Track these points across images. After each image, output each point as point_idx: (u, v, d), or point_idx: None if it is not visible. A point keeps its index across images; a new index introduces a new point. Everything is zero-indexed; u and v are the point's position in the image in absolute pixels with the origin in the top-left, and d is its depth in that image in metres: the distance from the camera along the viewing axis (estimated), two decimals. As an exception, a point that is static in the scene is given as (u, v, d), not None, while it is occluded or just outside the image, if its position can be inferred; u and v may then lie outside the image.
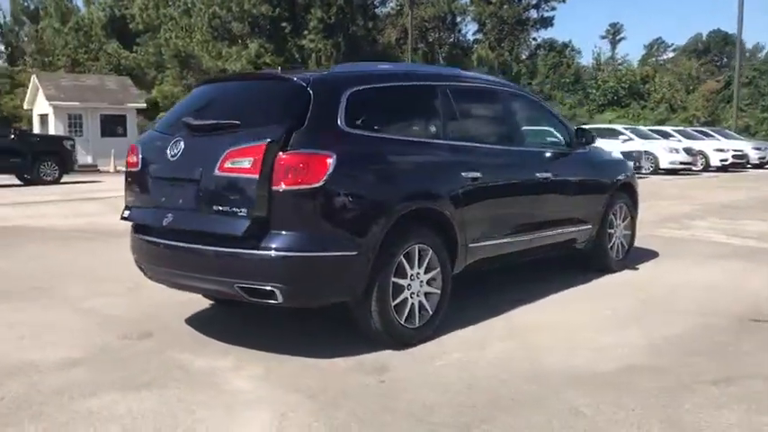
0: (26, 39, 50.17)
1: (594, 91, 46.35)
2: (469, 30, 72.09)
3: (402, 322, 4.00)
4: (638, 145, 20.21)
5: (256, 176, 3.55)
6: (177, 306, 4.83)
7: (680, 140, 22.78)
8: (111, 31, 48.07)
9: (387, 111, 4.20)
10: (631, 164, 6.75)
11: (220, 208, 3.70)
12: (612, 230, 6.05)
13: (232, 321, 4.67)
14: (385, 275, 3.87)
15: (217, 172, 3.69)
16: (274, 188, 3.55)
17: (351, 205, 3.76)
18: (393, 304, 3.94)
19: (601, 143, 18.73)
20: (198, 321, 4.62)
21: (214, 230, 3.70)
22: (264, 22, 41.90)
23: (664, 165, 20.65)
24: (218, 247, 3.71)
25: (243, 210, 3.61)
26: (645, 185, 16.57)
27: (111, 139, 24.96)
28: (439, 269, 4.22)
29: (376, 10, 47.15)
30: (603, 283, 5.69)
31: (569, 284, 5.56)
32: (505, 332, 4.37)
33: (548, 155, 5.36)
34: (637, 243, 7.35)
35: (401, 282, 3.99)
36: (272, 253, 3.57)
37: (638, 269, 6.22)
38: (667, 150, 20.81)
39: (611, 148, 18.56)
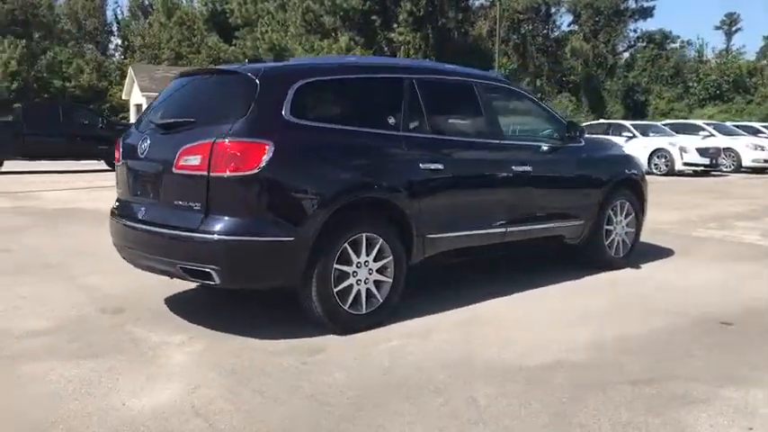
0: (136, 33, 52.95)
1: (695, 84, 44.16)
2: (564, 21, 70.37)
3: (346, 308, 4.12)
4: (718, 142, 19.20)
5: (205, 173, 3.78)
6: (165, 286, 5.08)
7: (769, 137, 21.45)
8: (212, 25, 50.09)
9: (339, 102, 4.32)
10: (640, 160, 6.50)
11: (180, 202, 3.97)
12: (611, 227, 5.90)
13: (208, 302, 4.91)
14: (326, 262, 3.99)
15: (174, 169, 3.95)
16: (212, 174, 3.76)
17: (288, 192, 3.91)
18: (336, 290, 4.06)
19: (679, 139, 18.10)
20: (176, 301, 4.88)
21: (175, 224, 3.96)
22: (355, 15, 42.48)
23: (746, 162, 19.55)
24: (164, 229, 3.96)
25: (197, 204, 3.86)
26: (714, 184, 15.91)
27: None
28: (391, 258, 4.31)
29: (468, 2, 46.78)
30: (592, 280, 5.57)
31: (556, 280, 5.48)
32: (460, 323, 4.39)
33: (528, 148, 5.31)
34: (660, 242, 7.16)
35: (345, 269, 4.11)
36: (209, 236, 3.78)
37: (640, 268, 6.04)
38: (751, 147, 19.66)
39: (690, 143, 17.80)
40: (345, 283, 4.12)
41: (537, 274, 5.65)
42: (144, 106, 26.57)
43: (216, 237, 3.77)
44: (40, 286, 5.29)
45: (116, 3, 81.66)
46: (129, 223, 4.31)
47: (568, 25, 50.24)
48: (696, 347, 3.94)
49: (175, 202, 3.99)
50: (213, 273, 3.81)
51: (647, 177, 6.52)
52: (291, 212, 3.90)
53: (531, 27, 48.45)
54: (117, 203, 4.69)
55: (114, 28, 59.11)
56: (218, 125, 3.88)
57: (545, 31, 48.76)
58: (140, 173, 4.34)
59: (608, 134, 18.60)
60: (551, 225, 5.42)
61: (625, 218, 6.02)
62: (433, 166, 4.50)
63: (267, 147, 3.77)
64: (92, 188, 13.37)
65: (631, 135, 18.43)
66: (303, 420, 3.00)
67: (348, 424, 2.96)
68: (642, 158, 17.56)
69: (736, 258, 6.58)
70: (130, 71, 28.65)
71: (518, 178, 5.06)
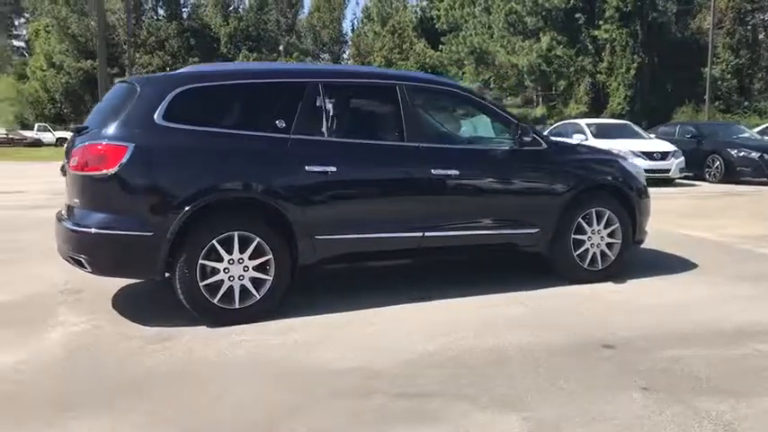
0: (353, 43, 56.34)
1: None
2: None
3: (215, 302, 4.35)
4: None
5: (81, 172, 4.30)
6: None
7: None
8: (421, 31, 51.71)
9: (220, 107, 4.55)
10: (631, 166, 5.81)
11: (75, 200, 4.49)
12: (584, 237, 5.42)
13: (161, 294, 5.26)
14: (189, 257, 4.26)
15: (69, 170, 4.48)
16: (84, 173, 4.24)
17: (147, 190, 4.25)
18: (203, 284, 4.32)
19: None
20: (134, 289, 5.35)
21: (68, 218, 4.50)
22: (558, 14, 41.34)
23: None
24: (65, 222, 4.49)
25: (78, 200, 4.40)
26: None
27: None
28: (271, 257, 4.45)
29: (689, -7, 43.16)
30: (540, 293, 5.11)
31: (508, 289, 5.18)
32: (334, 325, 4.41)
33: (459, 152, 5.10)
34: (697, 256, 6.41)
35: (216, 265, 4.34)
36: (80, 229, 4.26)
37: (624, 282, 5.44)
38: None
39: None
40: (215, 278, 4.35)
41: (495, 281, 5.39)
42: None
43: (83, 229, 4.24)
44: (33, 268, 6.08)
45: (354, 15, 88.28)
46: (57, 220, 4.86)
47: (813, 12, 44.24)
48: (529, 368, 3.62)
49: (72, 199, 4.50)
50: (84, 261, 4.29)
51: None
52: (150, 209, 4.23)
53: (764, 17, 43.46)
54: None
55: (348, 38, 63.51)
56: (101, 129, 4.33)
57: (781, 21, 43.40)
58: (65, 175, 4.91)
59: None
60: (492, 232, 5.15)
61: (605, 228, 5.49)
62: (322, 169, 4.55)
63: (127, 148, 4.15)
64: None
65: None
66: (76, 392, 3.36)
67: (92, 398, 3.26)
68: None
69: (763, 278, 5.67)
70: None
71: (439, 182, 4.89)
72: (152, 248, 4.22)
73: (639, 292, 5.23)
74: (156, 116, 4.30)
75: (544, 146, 5.33)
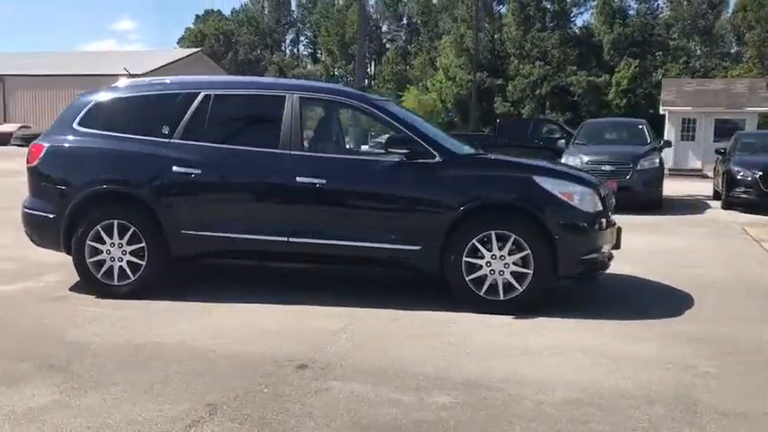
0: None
1: None
2: None
3: (98, 277, 5.24)
4: None
5: (26, 165, 5.59)
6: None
7: None
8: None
9: (122, 115, 5.38)
10: (547, 183, 4.72)
11: None
12: (481, 262, 4.79)
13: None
14: (79, 238, 5.21)
15: None
16: (26, 165, 5.52)
17: (50, 180, 5.38)
18: (89, 261, 5.23)
19: None
20: None
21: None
22: None
23: None
24: None
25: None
26: None
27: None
28: (144, 245, 5.15)
29: None
30: (390, 314, 4.79)
31: (381, 305, 4.97)
32: (156, 311, 4.91)
33: (331, 161, 5.04)
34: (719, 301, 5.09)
35: (99, 246, 5.22)
36: (22, 209, 5.53)
37: (526, 318, 4.66)
38: None
39: None
40: (99, 258, 5.23)
41: (390, 298, 5.19)
42: (666, 119, 25.89)
43: (23, 209, 5.51)
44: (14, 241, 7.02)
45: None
46: None
47: None
48: (150, 371, 3.77)
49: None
50: (27, 235, 5.56)
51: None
52: (53, 195, 5.31)
53: None
54: None
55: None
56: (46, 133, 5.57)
57: None
58: None
59: None
60: (365, 245, 4.95)
61: (510, 254, 4.77)
62: (187, 170, 5.08)
63: (44, 147, 5.31)
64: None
65: None
66: None
67: None
68: None
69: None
70: (662, 85, 28.20)
71: (304, 190, 4.95)
72: (55, 228, 5.26)
73: (509, 330, 4.50)
74: (75, 123, 5.36)
75: (437, 158, 4.91)
